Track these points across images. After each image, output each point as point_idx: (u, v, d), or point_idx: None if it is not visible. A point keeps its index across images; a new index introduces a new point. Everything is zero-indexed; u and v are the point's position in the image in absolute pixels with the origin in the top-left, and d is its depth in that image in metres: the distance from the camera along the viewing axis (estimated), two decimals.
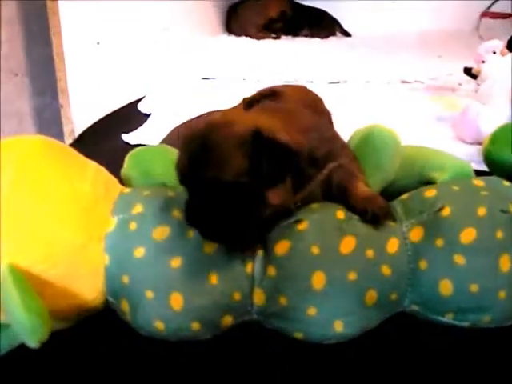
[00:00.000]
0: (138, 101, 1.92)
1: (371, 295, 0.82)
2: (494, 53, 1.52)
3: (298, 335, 0.84)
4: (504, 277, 0.81)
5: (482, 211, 0.82)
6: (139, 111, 1.86)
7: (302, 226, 0.81)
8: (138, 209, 0.85)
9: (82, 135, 1.65)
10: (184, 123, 1.35)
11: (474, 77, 1.55)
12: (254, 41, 2.43)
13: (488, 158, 1.00)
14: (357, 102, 1.80)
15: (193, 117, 1.63)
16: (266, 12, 2.68)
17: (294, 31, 2.64)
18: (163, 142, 1.33)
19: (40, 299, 0.76)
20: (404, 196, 0.91)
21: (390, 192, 0.95)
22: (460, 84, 1.89)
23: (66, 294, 0.83)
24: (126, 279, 0.83)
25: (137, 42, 1.89)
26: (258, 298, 0.83)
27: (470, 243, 0.81)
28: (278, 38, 2.58)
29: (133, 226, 0.83)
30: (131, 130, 1.69)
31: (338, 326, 0.82)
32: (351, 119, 1.60)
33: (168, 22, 2.09)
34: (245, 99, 1.19)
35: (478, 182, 0.89)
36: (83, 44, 1.65)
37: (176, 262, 0.80)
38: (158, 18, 2.03)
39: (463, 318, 0.84)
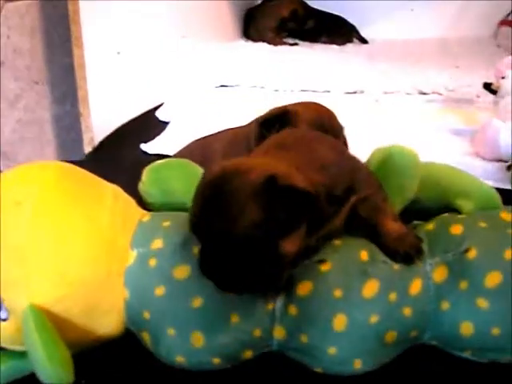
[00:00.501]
0: (157, 108, 1.90)
1: (391, 335, 0.80)
2: None
3: (317, 369, 0.82)
4: None
5: (508, 254, 0.79)
6: (157, 119, 1.84)
7: (324, 267, 0.79)
8: (158, 244, 0.83)
9: (101, 143, 1.64)
10: (197, 140, 1.31)
11: (494, 92, 1.52)
12: (272, 47, 2.38)
13: None
14: (373, 114, 1.77)
15: (209, 130, 1.62)
16: (279, 12, 2.65)
17: (313, 38, 2.59)
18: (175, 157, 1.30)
19: (62, 344, 0.75)
20: (429, 226, 0.87)
21: (413, 211, 0.93)
22: (478, 96, 1.85)
23: (87, 328, 0.82)
24: (146, 314, 0.82)
25: (156, 50, 1.87)
26: (279, 333, 0.82)
27: (495, 287, 0.79)
28: (295, 44, 2.54)
29: (153, 262, 0.81)
30: (150, 138, 1.68)
31: (357, 364, 0.81)
32: (367, 131, 1.60)
33: (186, 30, 2.06)
34: (258, 120, 1.15)
35: (506, 215, 0.86)
36: (104, 53, 1.63)
37: (197, 303, 0.79)
38: (176, 26, 2.01)
39: (482, 355, 0.83)
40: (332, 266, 0.79)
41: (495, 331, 0.80)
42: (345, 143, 1.14)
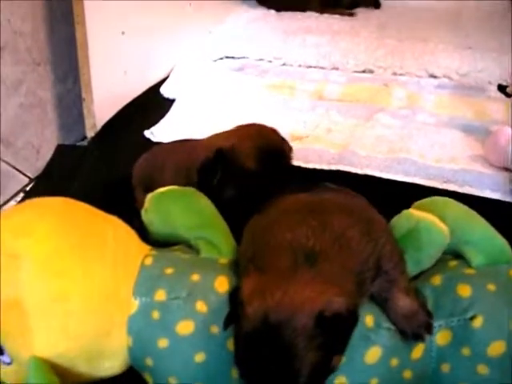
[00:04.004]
0: (161, 83, 1.83)
1: None
2: None
3: None
4: None
5: None
6: (162, 96, 1.78)
7: None
8: (161, 296, 0.80)
9: (103, 128, 1.58)
10: (153, 150, 1.25)
11: (509, 95, 1.46)
12: (283, 17, 2.26)
13: None
14: (382, 101, 1.71)
15: (213, 110, 1.56)
16: None
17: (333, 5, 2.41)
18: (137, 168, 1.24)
19: None
20: (436, 280, 0.83)
21: None
22: (490, 83, 1.78)
23: (89, 373, 0.82)
24: (149, 362, 0.81)
25: (160, 25, 1.78)
26: None
27: (497, 356, 0.77)
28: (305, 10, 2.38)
29: (156, 315, 0.79)
30: (154, 119, 1.62)
31: None
32: (375, 123, 1.55)
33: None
34: (197, 169, 1.06)
35: None
36: (107, 34, 1.55)
37: (200, 358, 0.78)
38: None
39: None
40: None
41: None
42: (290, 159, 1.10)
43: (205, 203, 0.91)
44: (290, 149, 1.10)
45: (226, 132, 1.12)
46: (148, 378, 0.84)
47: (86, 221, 0.84)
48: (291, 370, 0.65)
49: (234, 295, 0.75)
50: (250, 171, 1.01)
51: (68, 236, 0.80)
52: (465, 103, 1.70)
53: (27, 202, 0.87)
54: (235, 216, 0.93)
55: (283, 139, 1.11)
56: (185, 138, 1.26)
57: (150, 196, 0.94)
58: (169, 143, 1.29)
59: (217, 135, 1.12)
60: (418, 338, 0.77)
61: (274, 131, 1.10)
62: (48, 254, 0.77)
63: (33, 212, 0.82)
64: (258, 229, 0.82)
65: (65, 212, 0.83)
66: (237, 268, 0.84)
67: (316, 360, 0.66)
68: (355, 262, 0.73)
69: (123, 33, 1.60)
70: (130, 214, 0.96)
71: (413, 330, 0.77)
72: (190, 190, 0.94)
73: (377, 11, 2.41)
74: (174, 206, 0.91)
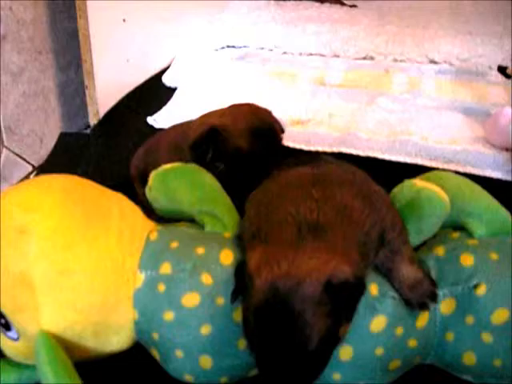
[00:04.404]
0: (163, 72, 1.83)
1: (395, 363, 0.81)
2: None
3: None
4: None
5: None
6: (164, 85, 1.78)
7: None
8: (166, 269, 0.80)
9: (106, 115, 1.59)
10: (148, 141, 1.24)
11: (509, 76, 1.46)
12: (283, 6, 2.26)
13: None
14: (383, 87, 1.71)
15: (215, 98, 1.57)
16: None
17: None
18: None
19: (74, 374, 0.75)
20: (440, 251, 0.84)
21: None
22: (490, 68, 1.78)
23: (97, 347, 0.82)
24: (155, 335, 0.81)
25: (162, 14, 1.78)
26: None
27: (501, 323, 0.78)
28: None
29: (161, 287, 0.80)
30: (156, 107, 1.62)
31: None
32: (376, 108, 1.55)
33: None
34: (189, 145, 1.04)
35: None
36: (109, 22, 1.56)
37: (206, 330, 0.78)
38: None
39: (482, 380, 0.83)
40: None
41: (497, 362, 0.80)
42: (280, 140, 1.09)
43: (208, 178, 0.91)
44: (282, 130, 1.09)
45: (220, 110, 1.11)
46: (154, 352, 0.84)
47: (92, 196, 0.85)
48: (301, 337, 0.65)
49: (240, 269, 0.75)
50: (242, 150, 1.00)
51: (74, 211, 0.80)
52: (465, 87, 1.69)
53: (34, 178, 0.87)
54: (228, 193, 0.93)
55: (275, 119, 1.10)
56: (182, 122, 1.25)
57: (153, 173, 0.94)
58: (165, 129, 1.29)
59: (210, 113, 1.12)
60: (423, 306, 0.77)
61: (266, 111, 1.09)
62: (54, 228, 0.77)
63: (39, 187, 0.82)
64: (261, 203, 0.82)
65: (71, 187, 0.84)
66: (241, 242, 0.84)
67: (325, 327, 0.67)
68: (358, 232, 0.73)
69: (124, 20, 1.60)
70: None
71: (418, 299, 0.77)
72: (193, 166, 0.94)
73: (377, 3, 2.40)
74: (177, 182, 0.91)
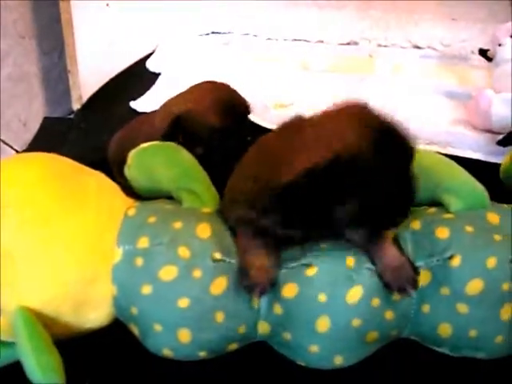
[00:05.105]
0: (148, 57, 1.82)
1: (372, 335, 0.81)
2: None
3: (299, 363, 0.84)
4: (503, 324, 0.80)
5: (491, 262, 0.78)
6: (148, 70, 1.77)
7: (310, 272, 0.78)
8: (144, 243, 0.80)
9: (90, 100, 1.58)
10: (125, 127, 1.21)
11: (490, 59, 1.46)
12: None
13: (506, 177, 0.94)
14: (366, 70, 1.71)
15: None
16: None
17: None
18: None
19: (54, 350, 0.75)
20: (415, 224, 0.84)
21: None
22: (473, 52, 1.78)
23: (76, 323, 0.82)
24: (134, 310, 0.81)
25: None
26: (263, 328, 0.83)
27: (476, 294, 0.78)
28: None
29: (139, 261, 0.79)
30: (140, 92, 1.61)
31: (338, 360, 0.82)
32: (359, 90, 1.56)
33: None
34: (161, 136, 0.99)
35: (493, 217, 0.83)
36: (92, 6, 1.54)
37: (183, 303, 0.78)
38: None
39: (458, 352, 0.84)
40: (318, 270, 0.77)
41: (472, 333, 0.80)
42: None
43: (186, 155, 0.91)
44: (248, 104, 1.05)
45: (180, 94, 1.07)
46: (134, 328, 0.84)
47: (71, 172, 0.85)
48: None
49: None
50: (214, 128, 0.99)
51: (52, 186, 0.80)
52: (448, 71, 1.70)
53: (14, 155, 0.87)
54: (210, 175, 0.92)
55: (239, 94, 1.06)
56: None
57: (132, 152, 0.93)
58: (142, 115, 1.26)
59: (171, 101, 1.07)
60: (402, 291, 0.77)
61: (228, 86, 1.06)
62: (34, 202, 0.77)
63: (19, 163, 0.83)
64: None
65: (50, 164, 0.84)
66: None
67: None
68: None
69: (108, 5, 1.59)
70: None
71: (398, 283, 0.77)
72: (171, 144, 0.93)
73: None
74: (155, 159, 0.90)
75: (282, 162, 0.72)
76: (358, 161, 0.68)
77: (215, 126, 0.98)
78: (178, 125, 0.99)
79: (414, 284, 0.77)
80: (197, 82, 1.09)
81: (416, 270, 0.79)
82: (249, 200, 0.77)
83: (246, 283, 0.76)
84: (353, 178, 0.68)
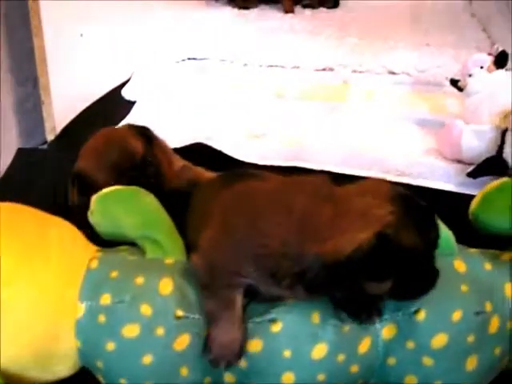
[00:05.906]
0: (123, 85, 1.80)
1: None
2: (482, 67, 1.42)
3: None
4: (468, 374, 0.80)
5: (456, 316, 0.77)
6: (123, 98, 1.75)
7: (276, 328, 0.76)
8: (106, 300, 0.78)
9: (64, 130, 1.55)
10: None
11: (460, 89, 1.46)
12: (245, 17, 2.24)
13: (475, 220, 0.93)
14: (340, 97, 1.71)
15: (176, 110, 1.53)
16: None
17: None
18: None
19: None
20: None
21: None
22: (447, 78, 1.78)
23: (42, 377, 0.81)
24: (99, 364, 0.79)
25: (120, 29, 1.75)
26: (229, 379, 0.81)
27: (440, 348, 0.77)
28: None
29: (102, 318, 0.77)
30: (115, 121, 1.59)
31: None
32: (331, 117, 1.55)
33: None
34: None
35: (460, 265, 0.83)
36: (66, 36, 1.52)
37: (147, 359, 0.77)
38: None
39: None
40: (283, 326, 0.76)
41: (438, 383, 0.79)
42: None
43: (149, 202, 0.89)
44: (144, 150, 1.06)
45: (91, 143, 1.12)
46: (101, 378, 0.82)
47: (31, 226, 0.83)
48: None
49: None
50: (105, 184, 0.97)
51: (13, 246, 0.79)
52: (422, 98, 1.70)
53: None
54: None
55: (131, 141, 1.07)
56: None
57: (94, 198, 0.91)
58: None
59: (87, 147, 1.12)
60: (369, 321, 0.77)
61: (122, 136, 1.08)
62: None
63: None
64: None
65: (9, 220, 0.82)
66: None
67: None
68: None
69: (82, 35, 1.56)
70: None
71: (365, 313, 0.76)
72: (135, 188, 0.91)
73: (338, 10, 2.40)
74: (117, 206, 0.88)
75: (325, 236, 0.71)
76: (401, 240, 0.69)
77: (104, 184, 0.97)
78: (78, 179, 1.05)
79: (379, 312, 0.78)
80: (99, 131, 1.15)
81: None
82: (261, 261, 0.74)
83: (210, 358, 0.75)
84: (396, 257, 0.70)
